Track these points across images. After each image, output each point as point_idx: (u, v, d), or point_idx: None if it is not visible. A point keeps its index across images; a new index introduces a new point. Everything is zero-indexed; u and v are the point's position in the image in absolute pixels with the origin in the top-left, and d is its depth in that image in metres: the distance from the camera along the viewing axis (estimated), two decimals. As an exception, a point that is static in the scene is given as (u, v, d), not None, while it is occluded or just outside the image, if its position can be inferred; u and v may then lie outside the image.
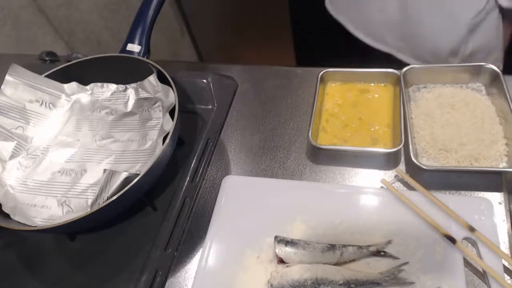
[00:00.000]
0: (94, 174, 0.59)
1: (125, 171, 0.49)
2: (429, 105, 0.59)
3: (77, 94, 0.66)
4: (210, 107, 0.67)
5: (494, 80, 0.58)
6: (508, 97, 0.54)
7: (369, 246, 0.47)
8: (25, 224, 0.51)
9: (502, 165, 0.52)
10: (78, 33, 1.15)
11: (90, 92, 0.67)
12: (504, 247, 0.45)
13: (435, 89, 0.61)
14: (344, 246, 0.47)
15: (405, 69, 0.61)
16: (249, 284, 0.47)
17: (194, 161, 0.59)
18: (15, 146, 0.60)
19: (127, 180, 0.47)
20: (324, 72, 0.65)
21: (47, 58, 0.82)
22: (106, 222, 0.54)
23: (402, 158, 0.56)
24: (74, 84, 0.66)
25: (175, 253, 0.52)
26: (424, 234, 0.47)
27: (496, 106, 0.57)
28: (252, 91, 0.72)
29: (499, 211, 0.49)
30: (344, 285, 0.44)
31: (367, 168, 0.56)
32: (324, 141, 0.59)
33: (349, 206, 0.51)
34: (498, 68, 0.58)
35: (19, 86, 0.61)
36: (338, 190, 0.53)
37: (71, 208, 0.55)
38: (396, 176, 0.54)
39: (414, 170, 0.52)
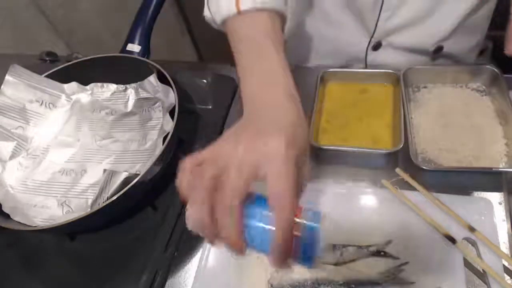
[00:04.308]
0: (94, 174, 0.59)
1: (125, 171, 0.49)
2: (429, 105, 0.59)
3: (77, 94, 0.66)
4: (210, 107, 0.67)
5: (494, 80, 0.58)
6: (508, 97, 0.54)
7: (369, 246, 0.46)
8: (25, 224, 0.51)
9: (502, 165, 0.52)
10: (78, 33, 1.15)
11: (90, 92, 0.67)
12: (504, 247, 0.45)
13: (435, 89, 0.61)
14: (344, 246, 0.46)
15: (405, 69, 0.61)
16: (249, 284, 0.47)
17: (194, 161, 0.59)
18: (15, 146, 0.60)
19: (127, 180, 0.47)
20: (324, 72, 0.65)
21: (47, 58, 0.82)
22: (106, 222, 0.54)
23: (402, 158, 0.56)
24: (74, 84, 0.66)
25: (175, 253, 0.52)
26: (424, 234, 0.47)
27: (496, 106, 0.57)
28: (252, 91, 0.71)
29: (499, 211, 0.49)
30: (344, 285, 0.44)
31: (367, 168, 0.56)
32: (324, 141, 0.59)
33: (349, 206, 0.51)
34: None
35: (19, 86, 0.61)
36: (338, 190, 0.53)
37: (71, 208, 0.55)
38: (396, 176, 0.54)
39: (414, 170, 0.52)
